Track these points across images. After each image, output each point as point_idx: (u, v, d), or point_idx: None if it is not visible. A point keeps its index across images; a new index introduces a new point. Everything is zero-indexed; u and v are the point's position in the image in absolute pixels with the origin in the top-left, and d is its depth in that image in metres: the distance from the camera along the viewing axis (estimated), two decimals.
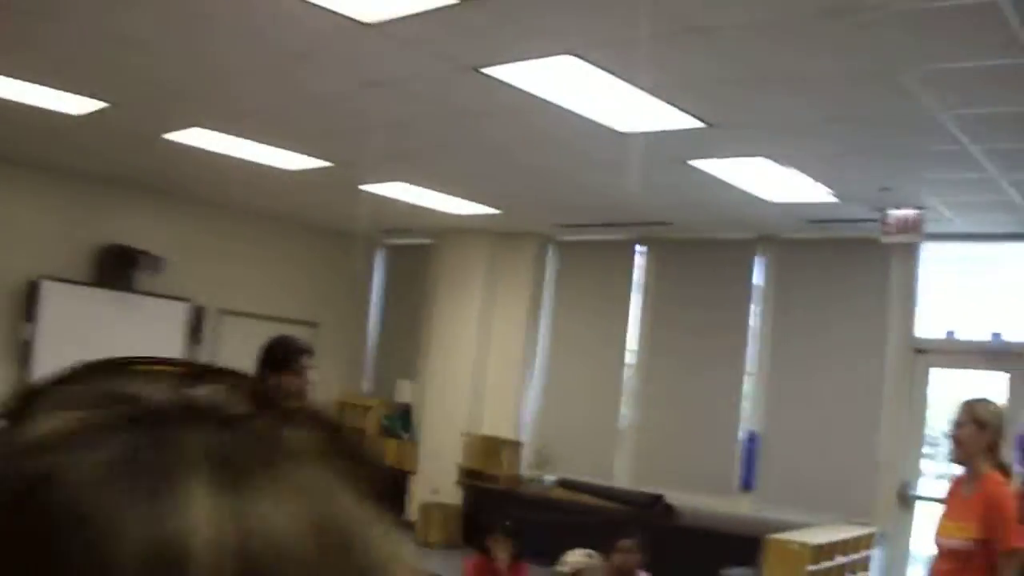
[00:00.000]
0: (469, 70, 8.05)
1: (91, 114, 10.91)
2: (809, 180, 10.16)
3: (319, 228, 16.52)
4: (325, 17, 7.18)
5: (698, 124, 8.66)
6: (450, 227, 15.81)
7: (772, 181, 10.44)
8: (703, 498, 13.24)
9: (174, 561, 0.52)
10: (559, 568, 6.18)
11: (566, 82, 8.05)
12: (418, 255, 17.52)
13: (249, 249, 16.60)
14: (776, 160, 9.61)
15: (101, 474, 0.54)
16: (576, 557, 6.15)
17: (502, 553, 8.19)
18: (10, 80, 10.01)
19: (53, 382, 0.63)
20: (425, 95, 9.00)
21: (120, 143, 12.34)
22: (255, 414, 0.62)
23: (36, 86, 10.14)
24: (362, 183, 13.07)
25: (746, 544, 10.92)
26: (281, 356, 5.56)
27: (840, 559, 11.03)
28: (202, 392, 0.62)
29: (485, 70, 8.01)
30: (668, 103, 8.26)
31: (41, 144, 12.95)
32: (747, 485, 13.11)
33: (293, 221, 16.43)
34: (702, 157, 9.87)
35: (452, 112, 9.46)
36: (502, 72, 8.02)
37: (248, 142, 11.59)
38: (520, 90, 8.36)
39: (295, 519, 0.56)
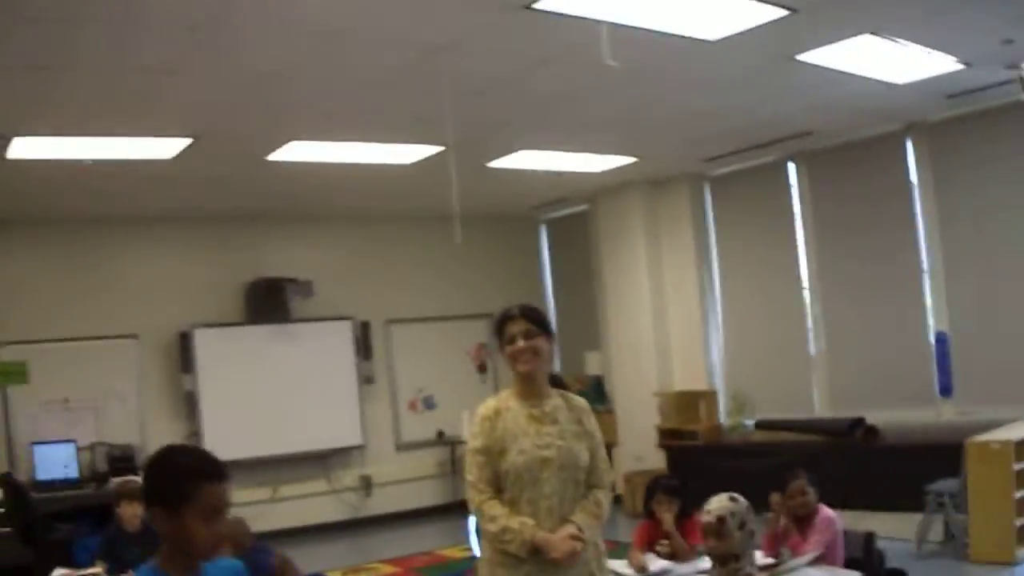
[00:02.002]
0: (519, 8, 7.43)
1: (183, 152, 10.78)
2: (923, 49, 9.24)
3: (466, 217, 16.02)
4: None
5: (782, 12, 7.88)
6: (600, 187, 15.35)
7: (889, 60, 9.54)
8: (905, 412, 12.38)
9: None
10: (703, 517, 5.54)
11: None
12: (578, 223, 17.02)
13: (399, 254, 16.29)
14: (881, 34, 8.70)
15: None
16: (719, 503, 5.50)
17: (666, 513, 7.58)
18: (94, 139, 10.03)
19: None
20: (489, 49, 8.44)
21: (226, 175, 12.28)
22: None
23: (115, 138, 10.12)
24: (486, 160, 12.66)
25: (952, 453, 10.08)
26: (497, 334, 5.28)
27: None
28: None
29: (536, 5, 7.40)
30: None
31: (152, 195, 13.00)
32: (946, 390, 12.17)
33: (436, 216, 15.91)
34: (805, 49, 9.02)
35: (527, 62, 8.86)
36: (556, 2, 7.39)
37: (351, 144, 11.33)
38: (584, 19, 7.69)
39: None
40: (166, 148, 10.59)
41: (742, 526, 5.38)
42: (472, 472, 5.04)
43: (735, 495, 5.55)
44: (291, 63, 8.34)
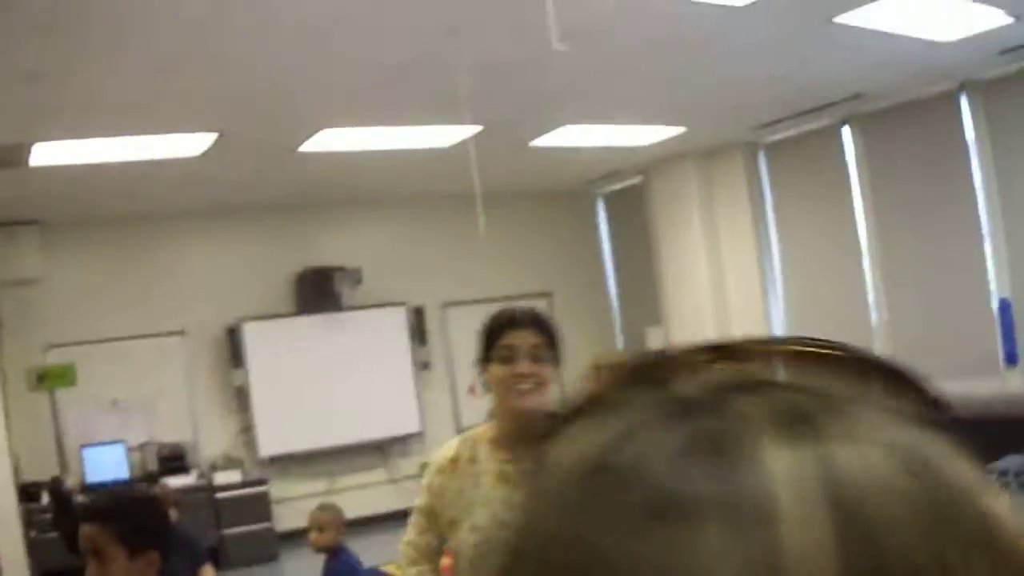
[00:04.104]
0: None
1: (210, 148, 10.62)
2: (967, 2, 8.80)
3: (517, 195, 15.64)
4: None
5: None
6: (652, 159, 14.89)
7: (934, 17, 9.14)
8: (969, 382, 11.83)
9: (762, 516, 0.51)
10: None
11: None
12: (635, 196, 16.53)
13: (450, 236, 15.81)
14: None
15: (673, 454, 0.54)
16: None
17: None
18: (116, 139, 9.89)
19: (589, 393, 0.63)
20: (510, 25, 8.11)
21: (259, 169, 12.08)
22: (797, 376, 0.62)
23: (138, 137, 9.98)
24: (529, 138, 12.39)
25: (1019, 427, 9.60)
26: (484, 343, 3.73)
27: None
28: (729, 368, 0.63)
29: None
30: None
31: (187, 192, 12.88)
32: (1011, 359, 11.67)
33: (485, 197, 15.66)
34: (841, 11, 8.62)
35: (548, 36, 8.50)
36: None
37: (384, 129, 11.14)
38: None
39: (878, 456, 0.54)
40: (192, 145, 10.43)
41: None
42: (410, 530, 3.76)
43: None
44: (305, 52, 8.13)
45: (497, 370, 3.60)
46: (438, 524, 3.66)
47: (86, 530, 3.16)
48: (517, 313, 3.69)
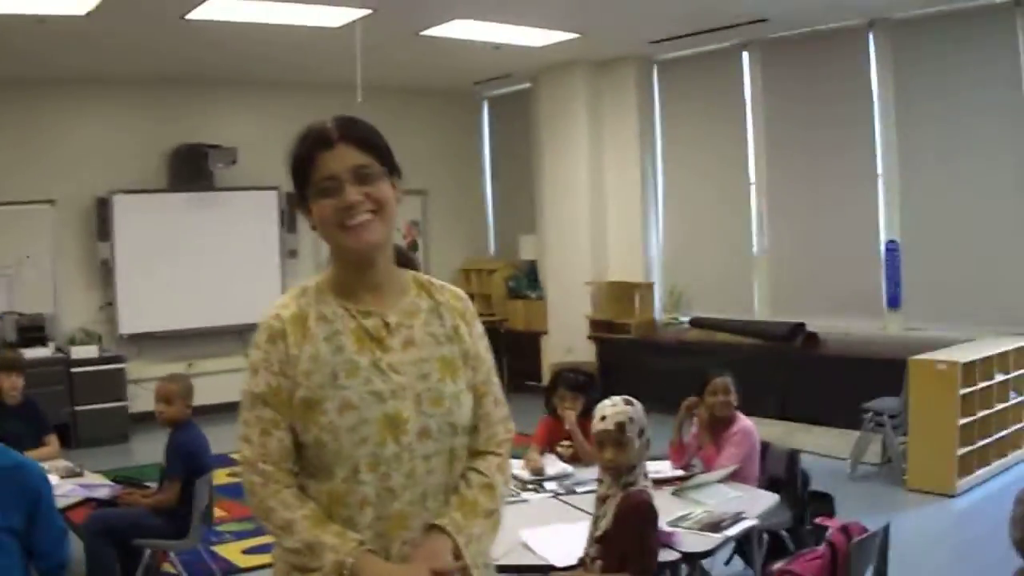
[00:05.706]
0: None
1: (97, 8, 10.04)
2: None
3: (402, 89, 15.25)
4: None
5: None
6: (543, 65, 14.60)
7: None
8: (849, 321, 11.94)
9: None
10: (597, 425, 4.93)
11: None
12: (522, 102, 16.27)
13: None
14: None
15: None
16: (616, 408, 4.90)
17: (568, 411, 7.00)
18: None
19: None
20: None
21: (145, 34, 11.47)
22: None
23: None
24: (419, 28, 11.96)
25: (896, 369, 9.57)
26: (298, 180, 2.79)
27: (1000, 376, 9.61)
28: None
29: None
30: None
31: (69, 54, 12.24)
32: (894, 302, 11.69)
33: (367, 86, 14.97)
34: None
35: None
36: None
37: (276, 4, 10.60)
38: None
39: None
40: (79, 2, 9.88)
41: (641, 433, 4.83)
42: (251, 440, 2.72)
43: (630, 398, 4.99)
44: None
45: (322, 207, 2.71)
46: (287, 408, 2.69)
47: None
48: (327, 128, 2.74)
